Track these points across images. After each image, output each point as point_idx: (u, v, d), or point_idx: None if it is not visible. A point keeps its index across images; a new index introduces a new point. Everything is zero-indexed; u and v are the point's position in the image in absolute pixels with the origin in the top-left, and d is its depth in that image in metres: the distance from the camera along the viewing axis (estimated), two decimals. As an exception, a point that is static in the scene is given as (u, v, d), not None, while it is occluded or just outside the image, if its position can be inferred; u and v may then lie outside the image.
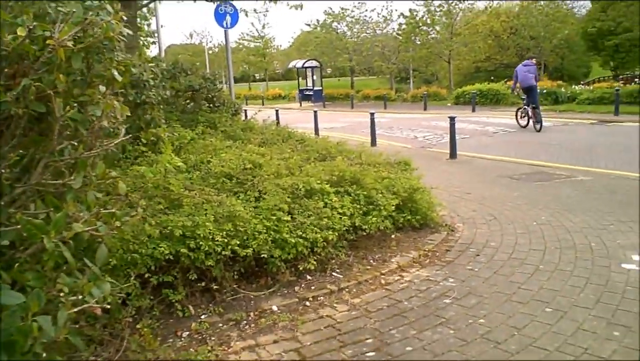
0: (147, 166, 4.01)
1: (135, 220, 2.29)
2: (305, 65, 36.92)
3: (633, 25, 29.58)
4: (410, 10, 32.57)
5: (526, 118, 14.45)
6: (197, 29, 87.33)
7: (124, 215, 2.22)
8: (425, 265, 4.60)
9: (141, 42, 17.02)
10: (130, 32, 2.75)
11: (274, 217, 3.87)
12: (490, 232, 5.42)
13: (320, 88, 35.72)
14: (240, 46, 53.18)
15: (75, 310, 1.79)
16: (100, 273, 2.07)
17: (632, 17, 28.95)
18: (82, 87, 2.33)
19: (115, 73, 2.47)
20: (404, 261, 4.62)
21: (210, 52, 52.64)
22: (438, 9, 31.46)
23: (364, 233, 4.69)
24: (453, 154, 10.45)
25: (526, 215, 5.96)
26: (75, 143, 2.25)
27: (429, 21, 31.89)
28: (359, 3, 40.07)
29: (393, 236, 5.15)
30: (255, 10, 11.78)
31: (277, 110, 17.90)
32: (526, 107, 14.41)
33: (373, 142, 12.68)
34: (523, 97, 14.71)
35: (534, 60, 14.72)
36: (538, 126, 13.81)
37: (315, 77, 36.48)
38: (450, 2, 30.90)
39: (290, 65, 43.14)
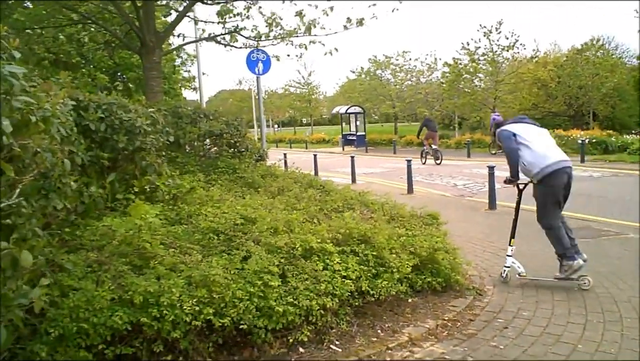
0: (120, 218, 3.63)
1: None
2: (349, 110, 37.03)
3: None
4: (453, 59, 32.22)
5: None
6: (247, 75, 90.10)
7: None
8: (442, 338, 3.98)
9: (179, 87, 17.32)
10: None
11: (260, 282, 3.39)
12: (523, 298, 4.76)
13: (363, 133, 35.69)
14: (287, 92, 54.19)
15: None
16: None
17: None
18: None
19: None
20: (417, 333, 4.02)
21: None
22: (482, 58, 30.96)
23: (373, 299, 4.13)
24: (492, 205, 9.78)
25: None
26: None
27: (472, 70, 31.33)
28: (403, 52, 39.99)
29: (410, 300, 4.56)
30: (288, 55, 11.64)
31: (315, 155, 17.63)
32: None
33: (410, 190, 12.10)
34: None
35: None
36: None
37: (358, 123, 36.49)
38: (494, 51, 30.37)
39: (334, 111, 43.38)
